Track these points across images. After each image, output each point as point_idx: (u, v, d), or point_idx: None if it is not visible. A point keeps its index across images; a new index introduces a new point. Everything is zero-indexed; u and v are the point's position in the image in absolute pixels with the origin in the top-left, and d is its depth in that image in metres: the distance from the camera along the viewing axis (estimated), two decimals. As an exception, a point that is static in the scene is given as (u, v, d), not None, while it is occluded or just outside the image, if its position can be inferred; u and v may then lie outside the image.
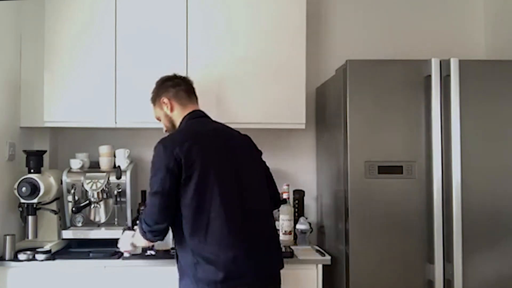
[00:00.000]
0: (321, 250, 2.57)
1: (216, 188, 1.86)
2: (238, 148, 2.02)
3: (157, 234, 1.89)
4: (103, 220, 2.58)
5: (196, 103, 2.15)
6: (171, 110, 2.09)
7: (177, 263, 1.97)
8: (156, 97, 2.14)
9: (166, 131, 2.16)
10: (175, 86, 2.11)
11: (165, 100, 2.09)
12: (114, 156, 2.68)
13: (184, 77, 2.18)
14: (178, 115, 2.09)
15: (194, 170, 1.85)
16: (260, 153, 2.13)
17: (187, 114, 2.07)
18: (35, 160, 2.45)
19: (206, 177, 1.86)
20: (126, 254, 2.23)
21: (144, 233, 1.91)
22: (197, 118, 2.07)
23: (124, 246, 2.13)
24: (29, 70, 2.61)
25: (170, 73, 2.18)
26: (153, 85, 2.17)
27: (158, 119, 2.17)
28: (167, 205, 1.85)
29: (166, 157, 1.86)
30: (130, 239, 2.10)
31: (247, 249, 1.87)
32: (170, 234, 2.36)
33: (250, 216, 1.92)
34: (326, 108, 2.73)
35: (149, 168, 1.90)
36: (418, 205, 2.22)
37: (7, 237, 2.31)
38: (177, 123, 2.09)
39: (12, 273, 2.28)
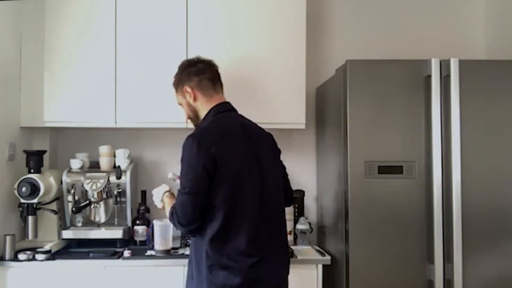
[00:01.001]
0: (321, 250, 2.58)
1: (244, 196, 1.82)
2: (264, 149, 1.95)
3: (193, 231, 1.83)
4: (103, 220, 2.58)
5: (221, 92, 2.03)
6: (194, 99, 1.98)
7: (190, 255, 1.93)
8: (178, 84, 2.03)
9: (188, 118, 2.05)
10: (199, 74, 1.98)
11: (188, 89, 1.97)
12: (114, 156, 2.68)
13: (209, 62, 2.03)
14: (203, 107, 1.98)
15: (226, 173, 1.79)
16: (279, 151, 2.07)
17: (214, 107, 1.96)
18: (35, 160, 2.45)
19: (237, 182, 1.81)
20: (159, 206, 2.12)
21: (176, 228, 1.86)
22: (225, 112, 1.97)
23: (157, 200, 2.07)
24: (29, 70, 2.61)
25: (193, 57, 2.06)
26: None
27: (180, 105, 2.07)
28: (202, 205, 1.79)
29: (201, 155, 1.77)
30: (162, 196, 2.04)
31: (264, 255, 1.84)
32: (171, 234, 2.38)
33: (268, 223, 1.88)
34: (326, 108, 2.73)
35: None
36: (418, 205, 2.22)
37: (7, 237, 2.31)
38: (201, 114, 1.98)
39: (12, 273, 2.28)
